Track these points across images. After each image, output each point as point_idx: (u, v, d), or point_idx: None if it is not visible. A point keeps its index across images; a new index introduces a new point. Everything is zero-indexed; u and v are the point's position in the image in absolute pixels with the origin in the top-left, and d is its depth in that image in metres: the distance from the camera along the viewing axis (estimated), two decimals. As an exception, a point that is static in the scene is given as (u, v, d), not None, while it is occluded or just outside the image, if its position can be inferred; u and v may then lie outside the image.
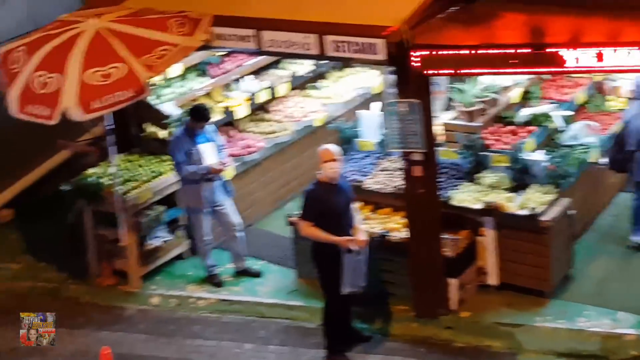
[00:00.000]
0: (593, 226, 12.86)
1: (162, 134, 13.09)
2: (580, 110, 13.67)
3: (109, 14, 11.79)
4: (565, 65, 9.62)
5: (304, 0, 11.08)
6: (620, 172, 12.47)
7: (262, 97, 14.11)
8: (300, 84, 14.87)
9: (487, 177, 11.97)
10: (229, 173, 12.74)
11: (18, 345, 10.91)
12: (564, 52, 9.57)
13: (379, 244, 11.46)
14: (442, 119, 12.63)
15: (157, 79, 12.72)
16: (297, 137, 14.14)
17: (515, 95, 13.12)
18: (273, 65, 14.89)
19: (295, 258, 12.46)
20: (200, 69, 13.77)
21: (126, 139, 13.15)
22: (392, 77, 10.89)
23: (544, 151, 12.32)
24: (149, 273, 12.74)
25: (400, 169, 11.22)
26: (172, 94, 13.29)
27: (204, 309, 12.20)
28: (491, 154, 12.15)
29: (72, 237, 13.04)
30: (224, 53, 13.84)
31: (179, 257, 13.05)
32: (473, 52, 9.92)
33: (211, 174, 12.06)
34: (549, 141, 12.81)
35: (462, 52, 9.95)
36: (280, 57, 14.38)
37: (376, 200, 12.16)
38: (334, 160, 10.45)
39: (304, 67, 14.87)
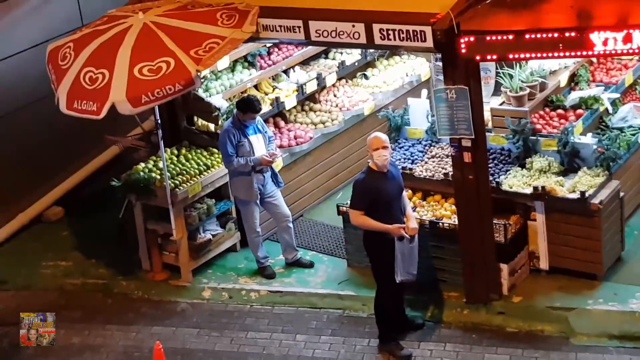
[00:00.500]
0: (644, 208, 12.84)
1: (212, 126, 13.17)
2: (628, 92, 13.60)
3: (157, 8, 11.91)
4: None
5: (350, -11, 11.13)
6: None
7: (311, 88, 14.14)
8: (348, 73, 14.88)
9: (537, 161, 11.95)
10: (278, 164, 12.81)
11: (70, 341, 11.06)
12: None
13: (430, 231, 11.49)
14: (490, 104, 12.63)
15: (205, 72, 12.77)
16: (346, 126, 14.16)
17: (563, 78, 13.07)
18: (321, 55, 14.92)
19: (345, 248, 12.51)
20: (248, 61, 13.83)
21: (175, 133, 13.27)
22: (440, 64, 10.88)
23: (593, 134, 12.30)
24: (200, 266, 12.79)
25: (450, 156, 11.24)
26: (221, 86, 13.36)
27: (256, 301, 12.25)
28: (540, 138, 12.14)
29: (122, 232, 13.20)
30: (272, 44, 13.88)
31: (230, 249, 13.09)
32: (520, 36, 9.91)
33: (261, 166, 12.12)
34: (598, 124, 12.78)
35: (508, 37, 9.95)
36: (328, 47, 14.41)
37: (426, 188, 12.19)
38: (384, 147, 10.46)
39: (352, 56, 14.88)
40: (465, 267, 11.38)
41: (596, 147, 11.80)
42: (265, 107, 13.33)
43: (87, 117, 10.97)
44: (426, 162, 12.42)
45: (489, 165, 11.59)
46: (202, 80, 12.89)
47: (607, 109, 12.85)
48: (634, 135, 12.42)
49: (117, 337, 11.77)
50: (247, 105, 12.09)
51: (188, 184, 12.41)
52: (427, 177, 12.15)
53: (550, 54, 10.06)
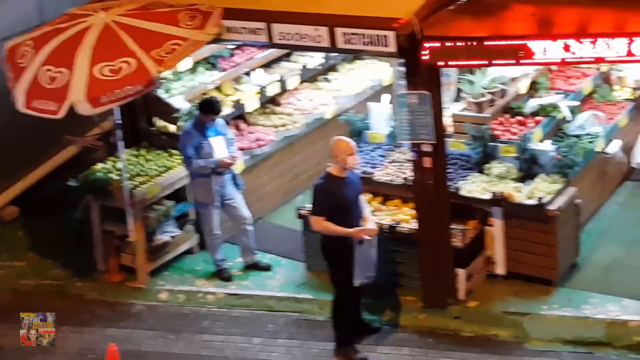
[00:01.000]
0: (599, 214, 12.94)
1: (172, 128, 13.14)
2: (587, 100, 13.75)
3: (118, 7, 11.81)
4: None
5: (315, -8, 11.16)
6: None
7: (273, 90, 14.14)
8: (310, 76, 14.90)
9: (496, 167, 12.05)
10: (238, 166, 12.79)
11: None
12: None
13: (388, 235, 11.54)
14: (451, 110, 12.71)
15: (166, 73, 12.74)
16: (308, 130, 14.17)
17: (523, 85, 13.18)
18: (283, 58, 14.92)
19: (304, 251, 12.51)
20: (210, 62, 13.82)
21: (135, 134, 13.21)
22: (402, 69, 10.95)
23: (552, 141, 12.42)
24: (158, 268, 12.72)
25: (410, 161, 11.29)
26: (182, 87, 13.34)
27: (212, 303, 12.21)
28: (499, 144, 12.23)
29: (79, 233, 13.04)
30: (235, 46, 13.87)
31: (188, 252, 13.04)
32: (482, 43, 9.98)
33: (221, 168, 12.10)
34: (557, 131, 12.90)
35: (471, 43, 10.01)
36: (290, 50, 14.43)
37: (386, 192, 12.22)
38: (354, 153, 10.48)
39: (315, 59, 14.90)
40: (423, 271, 11.43)
41: (554, 154, 11.92)
42: (227, 109, 13.31)
43: (46, 117, 10.88)
44: (386, 167, 12.47)
45: (449, 171, 11.65)
46: (163, 81, 12.84)
47: (565, 117, 12.97)
48: (591, 142, 12.56)
49: (72, 339, 11.67)
50: (208, 107, 12.07)
51: (147, 185, 12.36)
52: (387, 181, 12.20)
53: (512, 61, 10.14)
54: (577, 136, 12.67)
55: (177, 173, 12.67)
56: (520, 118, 12.76)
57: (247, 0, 11.40)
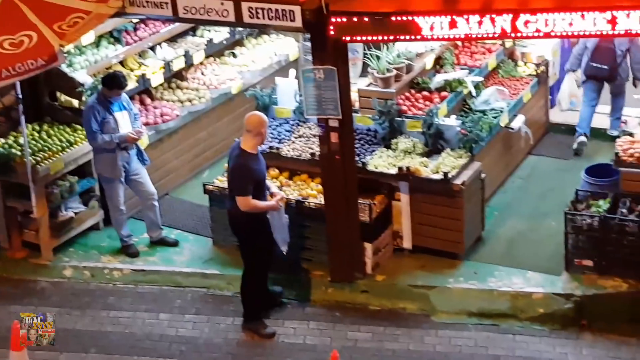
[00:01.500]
0: (503, 188, 13.14)
1: (75, 103, 12.96)
2: (491, 76, 13.91)
3: (19, -22, 11.60)
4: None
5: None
6: None
7: (178, 65, 14.01)
8: (216, 51, 14.81)
9: (402, 142, 12.12)
10: (144, 142, 12.68)
11: None
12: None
13: (296, 210, 11.55)
14: (357, 85, 12.74)
15: (69, 47, 12.54)
16: (213, 104, 14.10)
17: (429, 61, 13.27)
18: (189, 32, 14.80)
19: (211, 226, 12.47)
20: (114, 36, 13.62)
21: (37, 108, 12.98)
22: (309, 44, 10.92)
23: (457, 116, 12.54)
24: (62, 245, 12.56)
25: (317, 136, 11.30)
26: (85, 61, 13.12)
27: (119, 279, 12.12)
28: (406, 119, 12.31)
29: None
30: (139, 20, 13.71)
31: (93, 228, 12.89)
32: (387, 19, 10.01)
33: (126, 143, 11.98)
34: (462, 106, 13.04)
35: (377, 19, 10.02)
36: (196, 24, 14.31)
37: (293, 167, 12.22)
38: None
39: (220, 34, 14.81)
40: (330, 246, 11.47)
41: (459, 129, 12.03)
42: (131, 84, 13.16)
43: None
44: (293, 142, 12.46)
45: (355, 146, 11.69)
46: (66, 54, 12.64)
47: (470, 92, 13.10)
48: (495, 117, 12.72)
49: (-25, 316, 11.51)
50: (112, 82, 11.92)
51: (50, 160, 12.17)
52: (294, 156, 12.20)
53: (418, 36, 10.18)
54: (482, 111, 12.82)
55: (81, 148, 12.50)
56: (426, 93, 12.86)
57: (151, -27, 11.26)
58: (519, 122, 13.11)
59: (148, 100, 13.69)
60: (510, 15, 9.68)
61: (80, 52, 13.20)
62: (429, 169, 11.67)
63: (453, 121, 12.24)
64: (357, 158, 11.61)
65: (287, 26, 10.51)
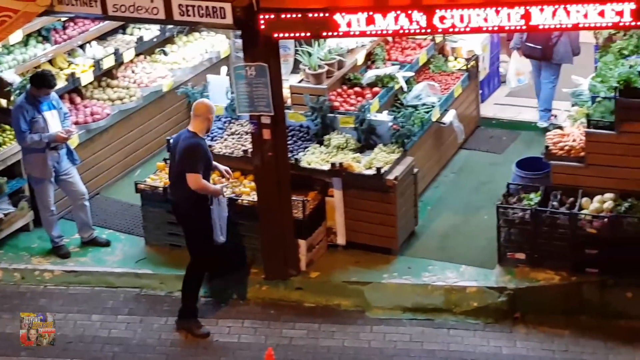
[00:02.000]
0: (435, 183, 13.21)
1: (3, 102, 12.78)
2: (422, 71, 13.98)
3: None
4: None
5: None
6: None
7: (108, 63, 13.88)
8: (146, 49, 14.70)
9: (335, 138, 12.13)
10: (74, 141, 12.56)
11: None
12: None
13: (229, 208, 11.49)
14: (289, 82, 12.74)
15: (-3, 46, 12.41)
16: (144, 103, 14.01)
17: (360, 57, 13.30)
18: (119, 30, 14.67)
19: (143, 226, 12.38)
20: (42, 35, 13.45)
21: (-35, 109, 12.82)
22: (240, 41, 10.89)
23: (389, 111, 12.59)
24: (-9, 247, 12.44)
25: (249, 133, 11.26)
26: (13, 60, 12.93)
27: (49, 281, 11.99)
28: (338, 115, 12.33)
29: None
30: (68, 18, 13.55)
31: (23, 229, 12.71)
32: (317, 15, 10.01)
33: (56, 142, 11.85)
34: (394, 102, 13.09)
35: (307, 15, 10.03)
36: (126, 22, 14.19)
37: (226, 165, 12.14)
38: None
39: (151, 32, 14.71)
40: (264, 243, 11.45)
41: (391, 125, 12.08)
42: (61, 83, 13.02)
43: None
44: (225, 139, 12.41)
45: (288, 142, 11.69)
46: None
47: (402, 87, 13.15)
48: (427, 112, 12.79)
49: None
50: (41, 81, 11.79)
51: (-22, 161, 12.02)
52: (227, 154, 12.16)
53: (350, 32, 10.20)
54: (414, 106, 12.90)
55: (10, 149, 12.34)
56: (357, 89, 12.89)
57: (79, -29, 11.14)
58: (450, 116, 13.20)
59: (78, 99, 13.56)
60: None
61: (8, 51, 13.01)
62: (362, 164, 11.69)
63: (385, 117, 12.28)
64: (289, 155, 11.60)
65: (218, 23, 10.48)
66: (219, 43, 15.25)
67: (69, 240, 12.51)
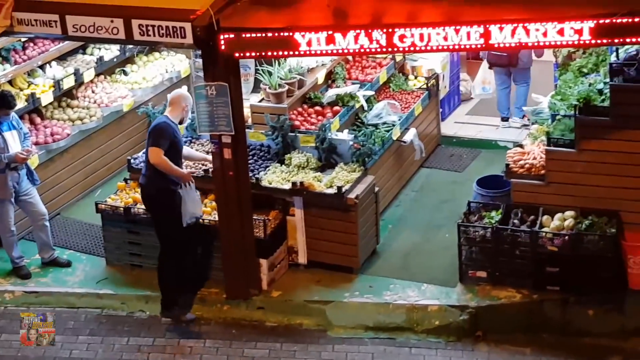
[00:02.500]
0: (396, 201, 13.24)
1: (-37, 122, 12.69)
2: (382, 90, 14.04)
3: None
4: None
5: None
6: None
7: (68, 83, 13.84)
8: (107, 69, 14.66)
9: (295, 157, 12.14)
10: (34, 161, 12.50)
11: None
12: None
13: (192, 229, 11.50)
14: (250, 101, 12.75)
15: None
16: (105, 123, 13.99)
17: (320, 76, 13.34)
18: (79, 50, 14.62)
19: (104, 246, 12.33)
20: (2, 55, 13.39)
21: None
22: (200, 61, 10.89)
23: (349, 130, 12.63)
24: (-50, 268, 12.31)
25: (210, 152, 11.25)
26: (-28, 81, 12.92)
27: (10, 302, 11.88)
28: (299, 134, 12.35)
29: None
30: (27, 39, 13.49)
31: (-17, 249, 12.66)
32: (277, 34, 10.04)
33: (16, 163, 11.78)
34: (354, 120, 13.13)
35: (268, 34, 10.06)
36: (86, 42, 14.15)
37: (186, 184, 12.17)
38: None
39: (111, 52, 14.67)
40: (225, 263, 11.42)
41: (352, 143, 12.10)
42: (21, 103, 12.97)
43: None
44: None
45: (249, 162, 11.69)
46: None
47: (362, 106, 13.20)
48: (388, 131, 12.83)
49: None
50: (1, 101, 11.72)
51: (-63, 182, 11.89)
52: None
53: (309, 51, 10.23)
54: (374, 125, 12.94)
55: (-32, 169, 12.23)
56: (318, 108, 12.94)
57: (40, -9, 11.11)
58: (410, 135, 13.25)
59: (38, 120, 13.50)
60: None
61: (-34, 72, 12.96)
62: (323, 183, 11.71)
63: (346, 135, 12.31)
64: (250, 174, 11.60)
65: (178, 43, 10.46)
66: (179, 63, 15.25)
67: (29, 261, 12.42)
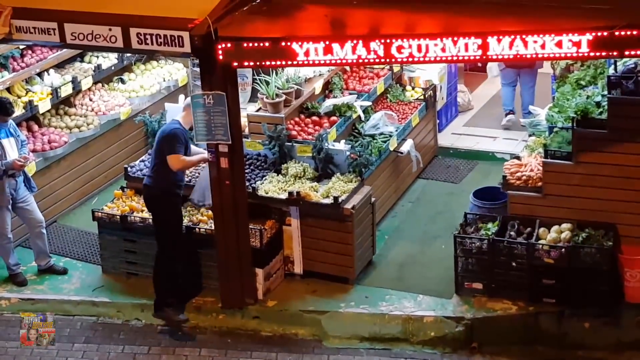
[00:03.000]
0: (393, 212, 13.24)
1: (-40, 129, 12.69)
2: (380, 100, 14.05)
3: None
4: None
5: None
6: None
7: (66, 91, 13.84)
8: (104, 77, 14.66)
9: (292, 167, 12.15)
10: (31, 168, 12.50)
11: None
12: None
13: (187, 236, 11.48)
14: (247, 110, 12.76)
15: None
16: (102, 131, 13.99)
17: (318, 86, 13.35)
18: (77, 58, 14.63)
19: (100, 254, 12.33)
20: (0, 63, 13.40)
21: None
22: (198, 70, 10.90)
23: (346, 141, 12.63)
24: (-53, 275, 12.30)
25: (207, 161, 11.25)
26: (-30, 88, 12.92)
27: (6, 309, 11.89)
28: (295, 144, 12.35)
29: None
30: (26, 46, 13.50)
31: (-21, 256, 12.65)
32: (275, 44, 10.05)
33: (13, 170, 11.79)
34: (351, 131, 13.13)
35: (265, 44, 10.07)
36: (84, 50, 14.16)
37: (184, 193, 12.11)
38: None
39: (108, 60, 14.67)
40: (221, 272, 11.42)
41: (349, 154, 12.11)
42: (18, 111, 12.97)
43: None
44: (183, 168, 12.38)
45: (246, 171, 11.69)
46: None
47: (359, 117, 13.21)
48: (384, 142, 12.84)
49: None
50: (-1, 108, 11.75)
51: None
52: (185, 183, 12.09)
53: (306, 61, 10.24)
54: (371, 136, 12.94)
55: (-35, 176, 12.23)
56: (315, 118, 12.94)
57: (38, -1, 11.14)
58: (407, 146, 13.26)
59: (35, 127, 13.49)
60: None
61: (-36, 79, 12.96)
62: (319, 193, 11.71)
63: (342, 146, 12.32)
64: (247, 183, 11.60)
65: (176, 52, 10.50)
66: (176, 71, 15.25)
67: (25, 268, 12.41)
